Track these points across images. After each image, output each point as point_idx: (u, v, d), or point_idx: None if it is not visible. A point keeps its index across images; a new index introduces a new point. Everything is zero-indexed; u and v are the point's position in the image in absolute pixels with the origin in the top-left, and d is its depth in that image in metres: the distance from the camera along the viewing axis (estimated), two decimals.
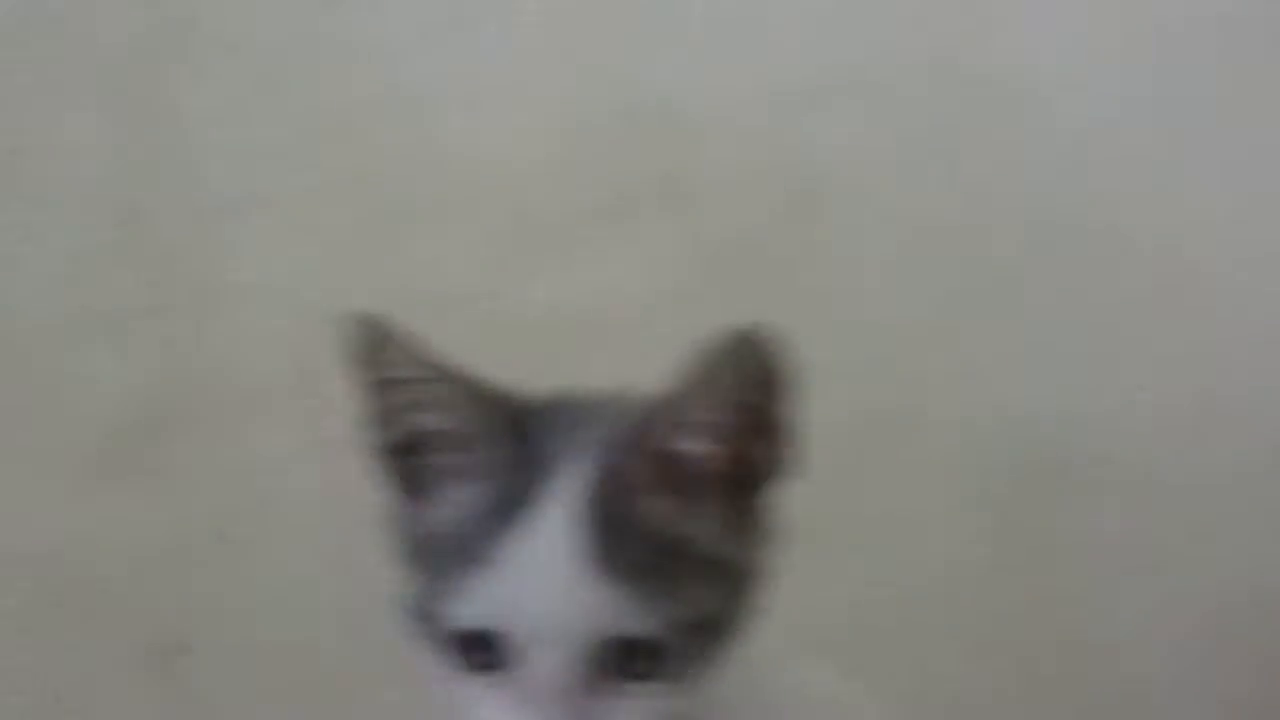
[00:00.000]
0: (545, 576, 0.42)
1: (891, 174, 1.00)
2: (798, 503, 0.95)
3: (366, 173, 0.94)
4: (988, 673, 0.96)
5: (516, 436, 0.46)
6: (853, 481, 0.97)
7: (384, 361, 0.46)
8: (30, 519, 0.87)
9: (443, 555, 0.45)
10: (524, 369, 0.48)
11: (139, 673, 0.87)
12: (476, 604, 0.43)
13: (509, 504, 0.44)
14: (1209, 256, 1.00)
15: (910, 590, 0.97)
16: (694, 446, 0.45)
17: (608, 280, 0.98)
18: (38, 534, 0.87)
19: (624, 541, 0.43)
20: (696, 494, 0.45)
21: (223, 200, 0.93)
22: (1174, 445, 1.00)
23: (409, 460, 0.47)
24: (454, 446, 0.46)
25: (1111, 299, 1.01)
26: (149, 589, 0.88)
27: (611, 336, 0.96)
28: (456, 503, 0.46)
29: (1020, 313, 1.01)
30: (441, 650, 0.44)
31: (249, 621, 0.89)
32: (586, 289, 0.97)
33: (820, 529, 0.93)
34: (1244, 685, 0.97)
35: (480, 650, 0.44)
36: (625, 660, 0.43)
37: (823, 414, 0.95)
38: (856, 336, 0.99)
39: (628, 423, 0.45)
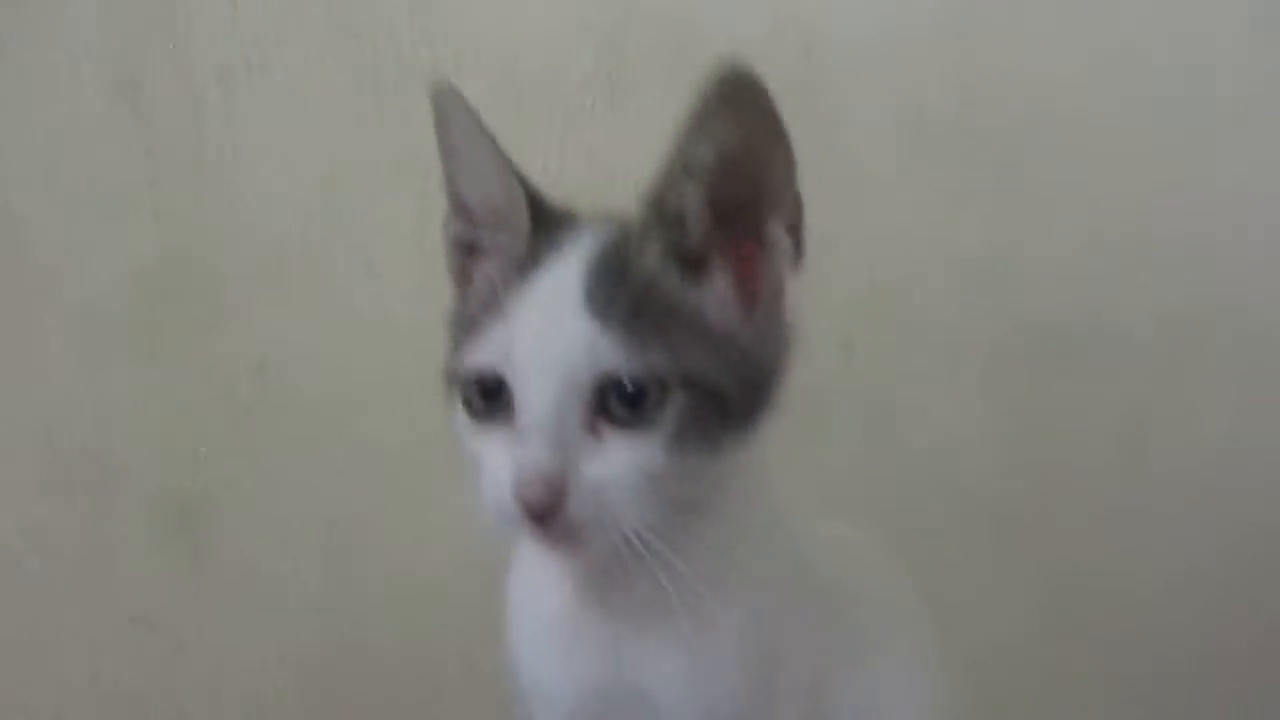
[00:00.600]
0: (540, 316, 0.46)
1: (896, 49, 0.97)
2: (800, 370, 0.97)
3: (361, 34, 0.92)
4: (982, 533, 0.99)
5: (541, 216, 0.50)
6: (854, 349, 0.98)
7: (450, 124, 0.51)
8: (35, 389, 0.89)
9: (472, 318, 0.49)
10: None
11: (158, 533, 0.90)
12: (487, 349, 0.47)
13: (526, 267, 0.48)
14: (1211, 137, 0.98)
15: (908, 454, 0.99)
16: (685, 193, 0.46)
17: (604, 159, 0.96)
18: (44, 403, 0.89)
19: (618, 291, 0.45)
20: (701, 265, 0.47)
21: (217, 67, 0.91)
22: (1170, 317, 1.00)
23: (465, 254, 0.52)
24: (491, 221, 0.51)
25: (1110, 172, 0.99)
26: (164, 453, 0.90)
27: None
28: (488, 276, 0.50)
29: (1020, 185, 0.99)
30: (462, 403, 0.48)
31: (264, 483, 0.91)
32: (582, 166, 0.95)
33: (822, 395, 0.97)
34: (1236, 554, 1.00)
35: (489, 398, 0.47)
36: (612, 406, 0.45)
37: (826, 283, 0.97)
38: (860, 208, 0.97)
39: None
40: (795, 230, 0.49)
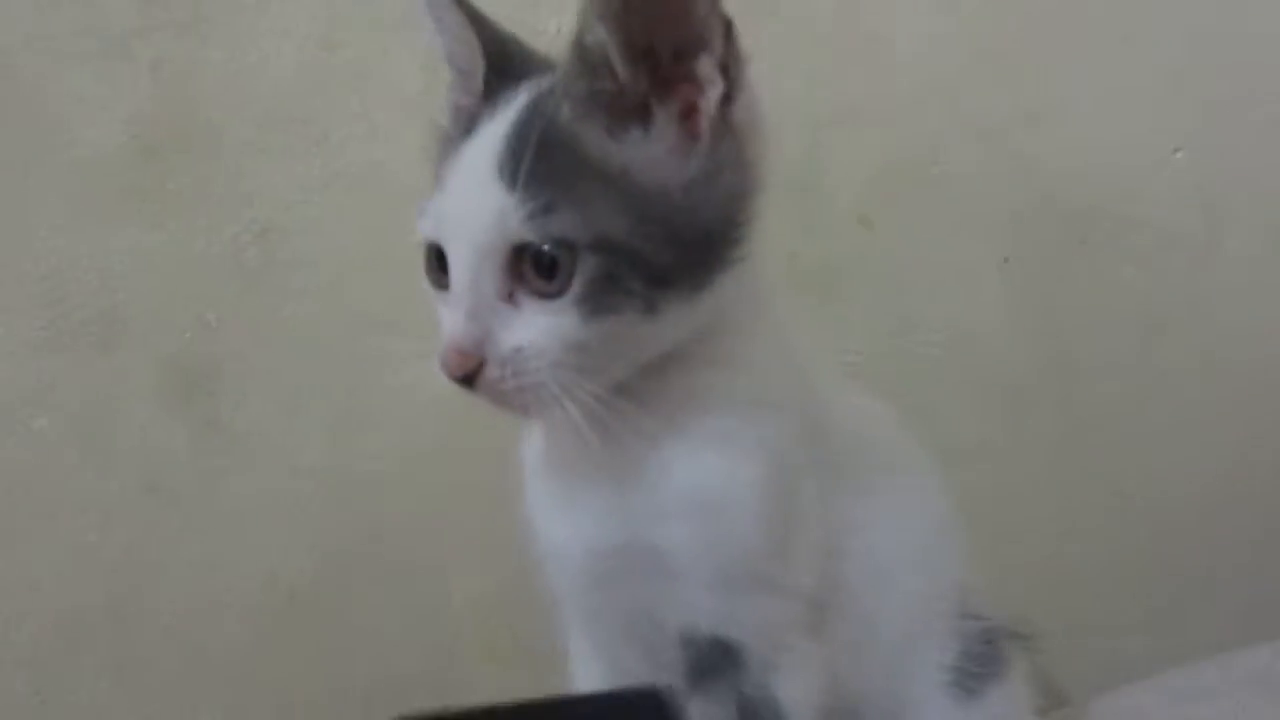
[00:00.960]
0: (460, 184, 0.45)
1: None
2: (818, 246, 0.95)
3: None
4: (994, 418, 0.98)
5: (502, 74, 0.49)
6: (873, 224, 0.96)
7: None
8: (38, 244, 0.87)
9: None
10: None
11: (166, 399, 0.90)
12: (428, 218, 0.47)
13: (467, 131, 0.47)
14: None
15: (924, 334, 0.97)
16: (600, 36, 0.44)
17: None
18: (47, 260, 0.87)
19: (531, 153, 0.43)
20: (629, 114, 0.45)
21: None
22: (1191, 206, 0.97)
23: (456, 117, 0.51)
24: (463, 83, 0.51)
25: (1133, 61, 0.95)
26: (170, 317, 0.89)
27: None
28: (452, 140, 0.49)
29: (1042, 69, 0.95)
30: (425, 271, 0.49)
31: (269, 351, 0.90)
32: None
33: (841, 274, 0.95)
34: (1240, 447, 0.99)
35: (439, 268, 0.47)
36: (527, 274, 0.44)
37: (846, 161, 0.95)
38: (882, 87, 0.94)
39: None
40: (730, 66, 0.45)
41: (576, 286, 0.44)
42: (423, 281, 0.50)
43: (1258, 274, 0.98)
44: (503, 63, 0.50)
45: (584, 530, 0.51)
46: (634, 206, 0.44)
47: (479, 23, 0.51)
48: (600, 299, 0.44)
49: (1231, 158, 0.97)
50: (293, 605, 0.92)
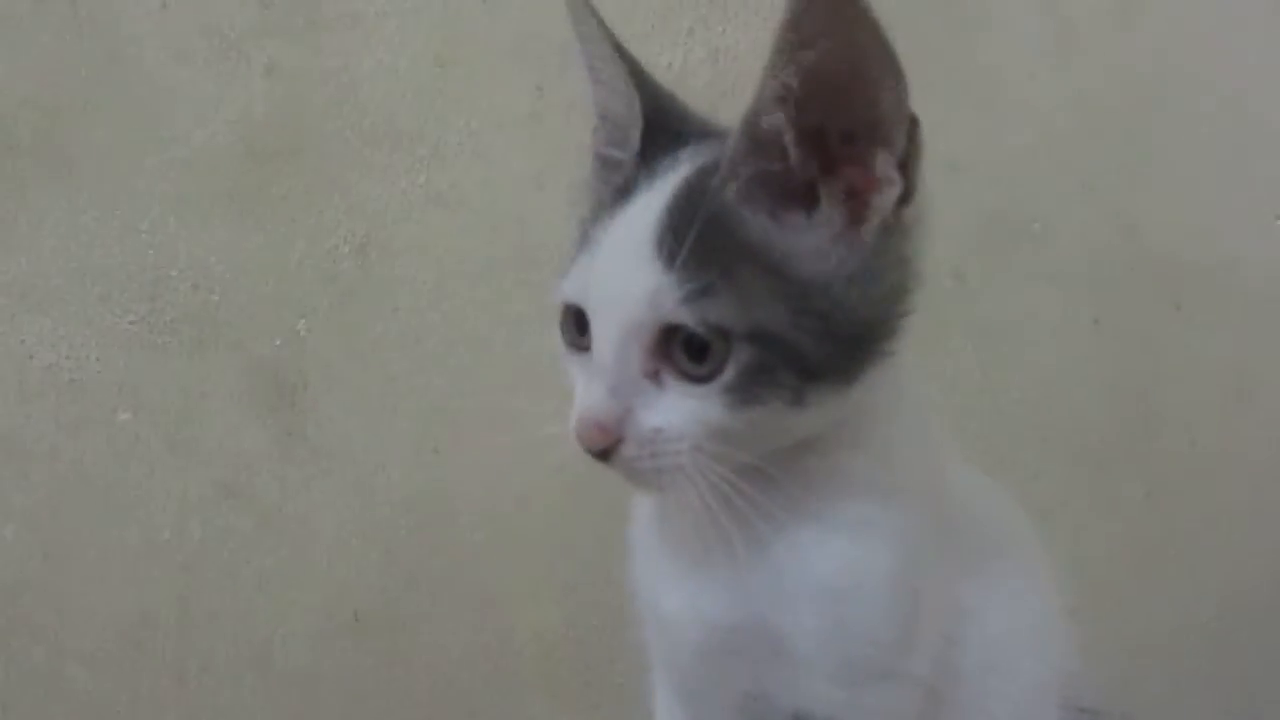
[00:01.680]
0: (613, 254, 0.44)
1: None
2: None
3: None
4: (1081, 477, 0.97)
5: (659, 134, 0.47)
6: (966, 279, 0.95)
7: (579, 32, 0.49)
8: (139, 239, 0.87)
9: (579, 242, 0.47)
10: None
11: (252, 405, 0.89)
12: (574, 279, 0.45)
13: (622, 193, 0.46)
14: None
15: (1011, 395, 0.96)
16: (776, 119, 0.42)
17: (731, 59, 0.92)
18: (146, 254, 0.87)
19: (693, 230, 0.42)
20: (796, 202, 0.43)
21: None
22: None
23: (602, 167, 0.50)
24: (617, 137, 0.49)
25: (1241, 126, 0.95)
26: (263, 324, 0.88)
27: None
28: (599, 192, 0.48)
29: (1149, 130, 0.95)
30: (560, 328, 0.47)
31: (360, 367, 0.90)
32: (707, 67, 0.91)
33: (929, 326, 0.94)
34: None
35: (580, 328, 0.45)
36: (676, 355, 0.43)
37: (945, 212, 0.94)
38: (987, 139, 0.93)
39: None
40: (909, 165, 0.43)
41: (727, 374, 0.42)
42: (556, 339, 0.48)
43: None
44: (662, 123, 0.48)
45: (701, 604, 0.49)
46: (793, 297, 0.42)
47: (640, 78, 0.49)
48: (749, 388, 0.42)
49: None
50: (358, 625, 0.91)
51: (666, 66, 0.89)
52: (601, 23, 0.49)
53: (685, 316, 0.42)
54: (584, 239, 0.46)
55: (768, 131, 0.42)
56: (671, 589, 0.51)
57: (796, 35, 0.40)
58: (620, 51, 0.49)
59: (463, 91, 0.88)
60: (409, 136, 0.88)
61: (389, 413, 0.89)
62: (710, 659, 0.50)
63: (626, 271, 0.43)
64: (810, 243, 0.43)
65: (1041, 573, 0.57)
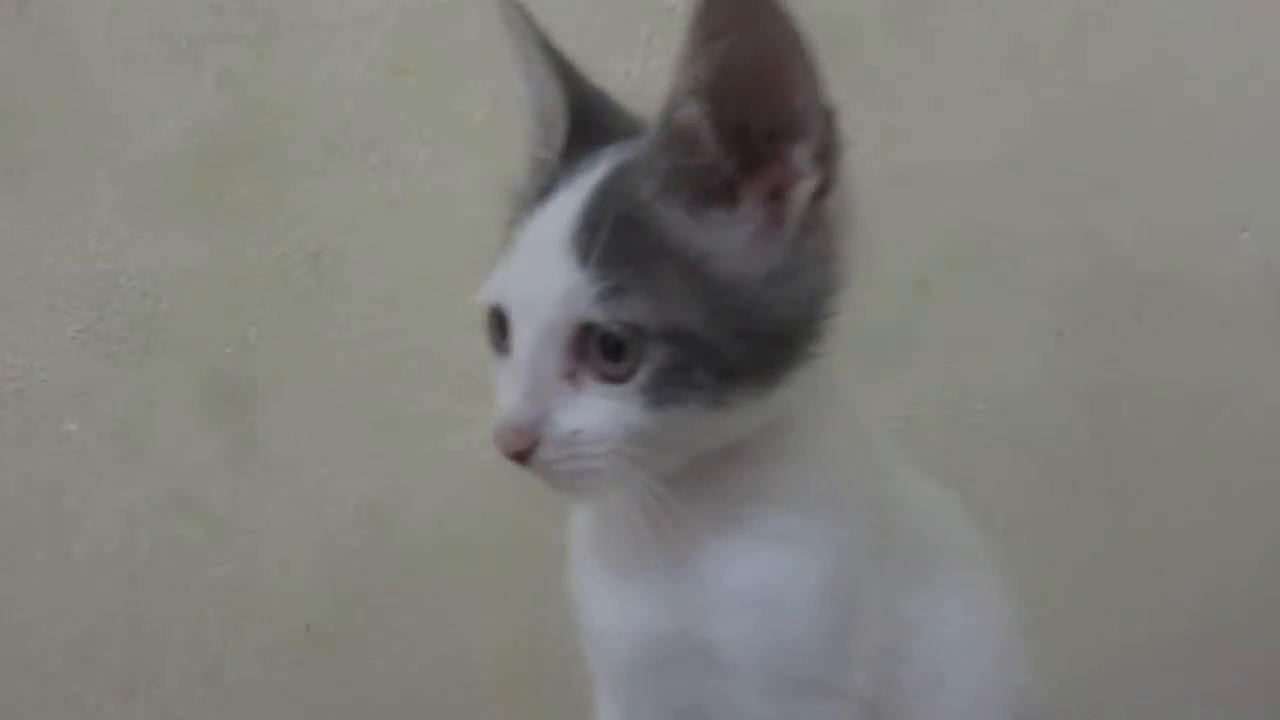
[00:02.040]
0: (529, 254, 0.43)
1: None
2: (872, 308, 0.94)
3: None
4: (1046, 489, 0.96)
5: (585, 132, 0.47)
6: (929, 289, 0.94)
7: (511, 33, 0.48)
8: (87, 246, 0.86)
9: (502, 242, 0.46)
10: None
11: (203, 412, 0.88)
12: (493, 282, 0.45)
13: (544, 192, 0.45)
14: None
15: (974, 407, 0.95)
16: (691, 114, 0.41)
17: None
18: (96, 261, 0.86)
19: (607, 229, 0.41)
20: (716, 198, 0.43)
21: None
22: (1253, 287, 0.95)
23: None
24: (546, 135, 0.48)
25: (1206, 138, 0.94)
26: (213, 332, 0.88)
27: None
28: (527, 193, 0.47)
29: (1113, 141, 0.94)
30: (486, 331, 0.46)
31: (312, 376, 0.89)
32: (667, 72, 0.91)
33: (893, 337, 0.94)
34: None
35: (499, 332, 0.45)
36: (593, 355, 0.42)
37: (910, 224, 0.93)
38: (950, 151, 0.93)
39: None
40: (827, 158, 0.43)
41: (642, 374, 0.41)
42: (482, 341, 0.48)
43: None
44: (588, 121, 0.48)
45: (634, 615, 0.49)
46: (711, 296, 0.42)
47: (568, 74, 0.49)
48: (666, 389, 0.42)
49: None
50: (310, 637, 0.90)
51: (625, 74, 0.88)
52: (530, 20, 0.48)
53: (598, 315, 0.41)
54: (507, 240, 0.46)
55: (684, 126, 0.42)
56: (604, 599, 0.50)
57: (705, 27, 0.40)
58: (547, 49, 0.48)
59: (417, 100, 0.87)
60: (363, 144, 0.87)
61: (341, 422, 0.89)
62: (643, 672, 0.50)
63: (542, 271, 0.42)
64: (730, 241, 0.43)
65: (990, 586, 0.57)
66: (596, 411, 0.42)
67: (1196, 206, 0.96)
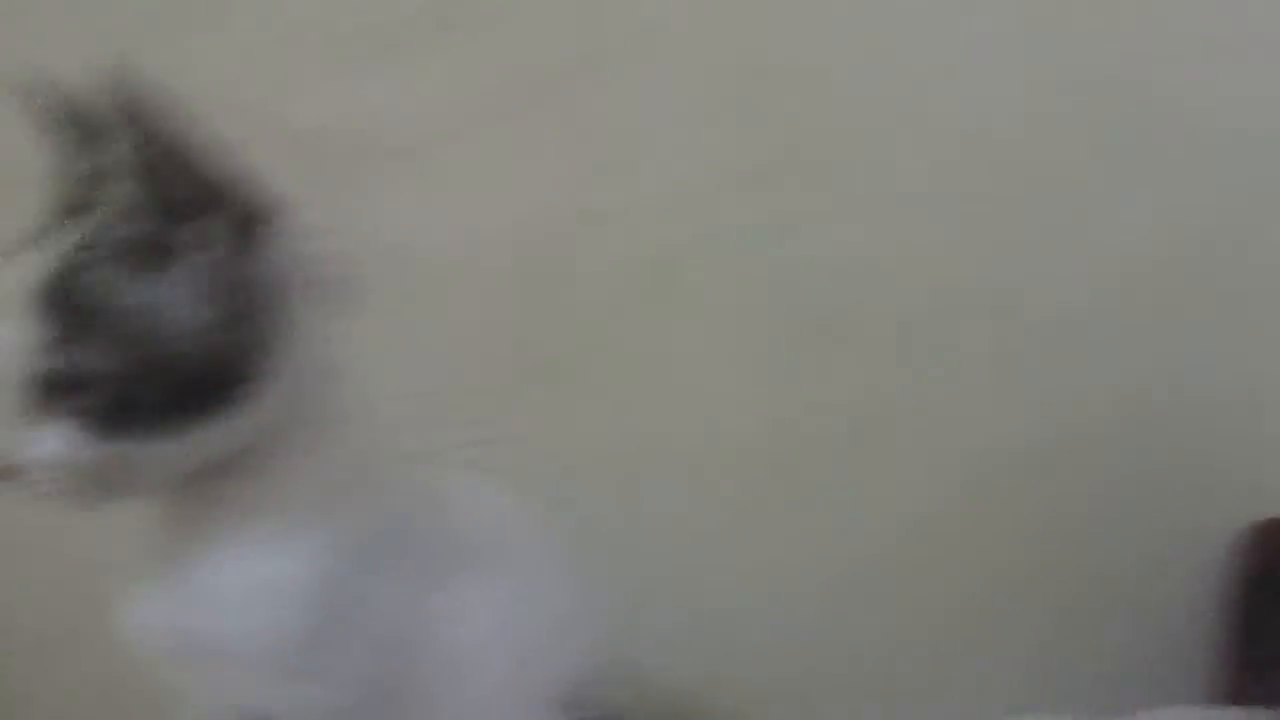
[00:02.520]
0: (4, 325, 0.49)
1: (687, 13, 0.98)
2: (568, 338, 0.98)
3: None
4: (754, 527, 1.03)
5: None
6: (630, 322, 1.01)
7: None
8: None
9: None
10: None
11: None
12: None
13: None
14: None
15: (684, 435, 1.02)
16: (113, 192, 0.49)
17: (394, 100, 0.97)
18: None
19: (52, 296, 0.49)
20: (151, 260, 0.50)
21: None
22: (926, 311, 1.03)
23: None
24: None
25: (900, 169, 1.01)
26: None
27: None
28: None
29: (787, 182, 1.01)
30: None
31: None
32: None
33: (578, 366, 0.99)
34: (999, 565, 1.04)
35: None
36: (60, 399, 0.49)
37: (606, 253, 0.99)
38: (631, 191, 0.99)
39: None
40: (248, 221, 0.51)
41: (105, 415, 0.49)
42: None
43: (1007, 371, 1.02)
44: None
45: (148, 611, 0.55)
46: (120, 338, 0.49)
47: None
48: (102, 426, 0.49)
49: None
50: None
51: None
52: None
53: (49, 362, 0.49)
54: None
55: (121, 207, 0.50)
56: (133, 597, 0.57)
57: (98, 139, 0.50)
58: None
59: None
60: None
61: None
62: (169, 667, 0.56)
63: (9, 334, 0.50)
64: (161, 297, 0.50)
65: (544, 578, 0.62)
66: (62, 438, 0.50)
67: (873, 248, 1.01)
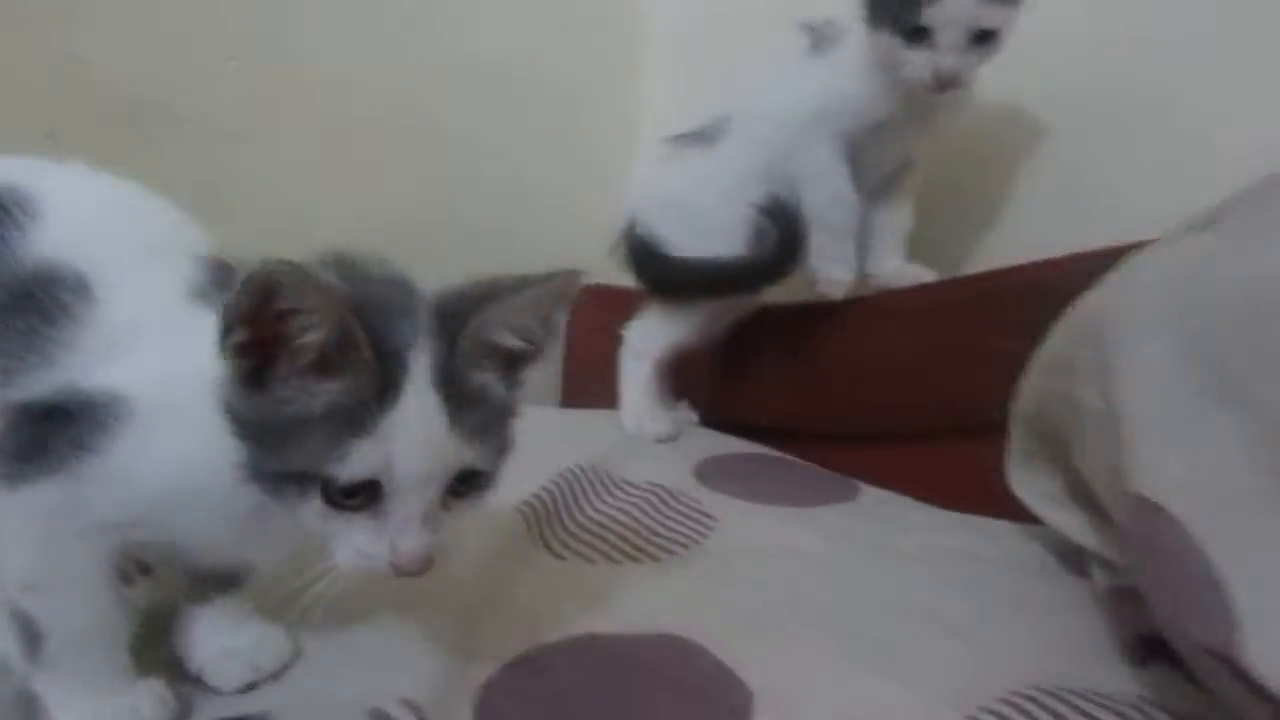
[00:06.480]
0: (419, 440, 0.55)
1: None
2: None
3: None
4: None
5: (364, 337, 0.54)
6: None
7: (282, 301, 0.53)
8: None
9: (318, 432, 0.54)
10: None
11: None
12: (361, 464, 0.54)
13: (374, 389, 0.54)
14: None
15: None
16: (513, 339, 0.60)
17: None
18: None
19: (465, 405, 0.57)
20: (501, 366, 0.61)
21: None
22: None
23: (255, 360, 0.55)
24: (314, 354, 0.54)
25: None
26: None
27: None
28: (320, 392, 0.54)
29: None
30: (322, 498, 0.56)
31: None
32: None
33: None
34: None
35: (354, 495, 0.56)
36: (463, 485, 0.59)
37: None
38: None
39: (458, 316, 0.57)
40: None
41: (489, 483, 0.62)
42: (294, 500, 0.56)
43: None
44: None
45: None
46: (506, 423, 0.62)
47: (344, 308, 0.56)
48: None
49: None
50: None
51: None
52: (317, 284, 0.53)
53: (484, 464, 0.59)
54: (346, 431, 0.54)
55: (500, 341, 0.60)
56: None
57: (547, 304, 0.61)
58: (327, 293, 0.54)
59: None
60: None
61: None
62: None
63: (434, 448, 0.56)
64: (505, 385, 0.61)
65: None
66: (462, 516, 0.60)
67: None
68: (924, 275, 1.25)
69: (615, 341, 1.37)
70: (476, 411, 0.57)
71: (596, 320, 1.33)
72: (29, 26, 1.10)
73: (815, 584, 0.85)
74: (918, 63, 1.07)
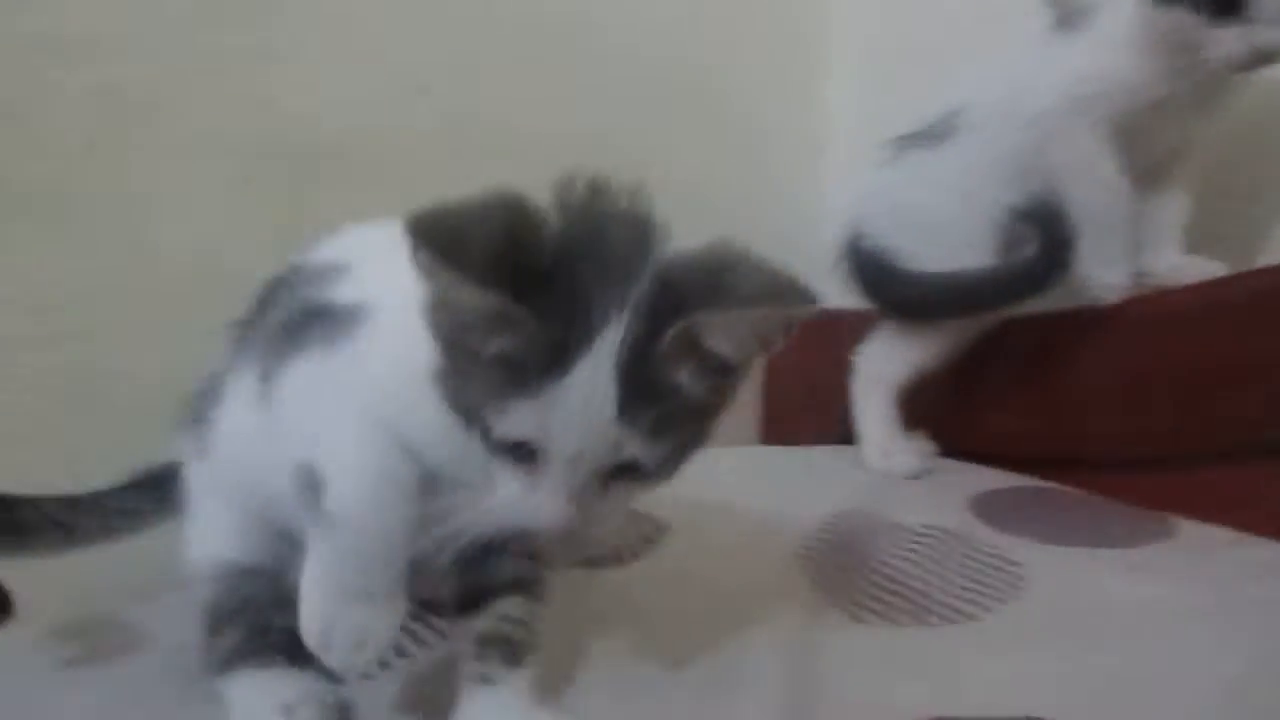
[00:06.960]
0: (581, 417, 0.52)
1: None
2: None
3: None
4: None
5: (551, 295, 0.51)
6: (95, 149, 1.00)
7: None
8: None
9: (483, 377, 0.53)
10: None
11: None
12: (522, 424, 0.53)
13: (553, 347, 0.51)
14: None
15: (172, 265, 1.04)
16: (726, 349, 0.54)
17: None
18: None
19: (645, 397, 0.52)
20: (708, 368, 0.54)
21: None
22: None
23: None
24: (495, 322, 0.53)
25: None
26: None
27: None
28: (504, 343, 0.52)
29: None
30: (485, 438, 0.54)
31: None
32: None
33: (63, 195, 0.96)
34: None
35: (515, 448, 0.54)
36: (620, 472, 0.55)
37: (69, 89, 0.96)
38: (106, 19, 0.98)
39: (677, 299, 0.52)
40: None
41: (654, 478, 0.58)
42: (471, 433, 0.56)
43: None
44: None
45: None
46: (699, 423, 0.58)
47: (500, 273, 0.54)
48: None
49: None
50: None
51: None
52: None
53: (646, 459, 0.54)
54: (515, 387, 0.52)
55: (709, 345, 0.54)
56: None
57: (778, 319, 0.55)
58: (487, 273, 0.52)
59: None
60: None
61: None
62: None
63: (594, 430, 0.53)
64: (709, 384, 0.55)
65: None
66: (619, 504, 0.57)
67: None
68: (1211, 269, 1.08)
69: (814, 373, 1.24)
70: (656, 406, 0.53)
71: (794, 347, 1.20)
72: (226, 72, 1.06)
73: (1189, 642, 0.71)
74: (1228, 40, 0.93)
